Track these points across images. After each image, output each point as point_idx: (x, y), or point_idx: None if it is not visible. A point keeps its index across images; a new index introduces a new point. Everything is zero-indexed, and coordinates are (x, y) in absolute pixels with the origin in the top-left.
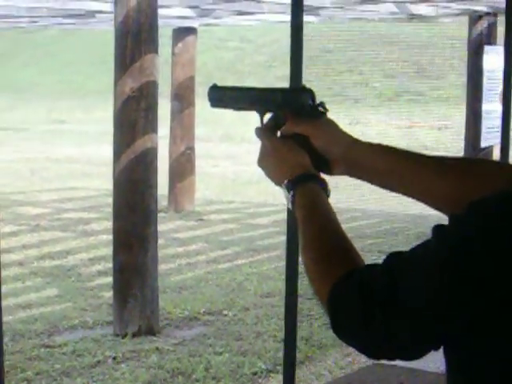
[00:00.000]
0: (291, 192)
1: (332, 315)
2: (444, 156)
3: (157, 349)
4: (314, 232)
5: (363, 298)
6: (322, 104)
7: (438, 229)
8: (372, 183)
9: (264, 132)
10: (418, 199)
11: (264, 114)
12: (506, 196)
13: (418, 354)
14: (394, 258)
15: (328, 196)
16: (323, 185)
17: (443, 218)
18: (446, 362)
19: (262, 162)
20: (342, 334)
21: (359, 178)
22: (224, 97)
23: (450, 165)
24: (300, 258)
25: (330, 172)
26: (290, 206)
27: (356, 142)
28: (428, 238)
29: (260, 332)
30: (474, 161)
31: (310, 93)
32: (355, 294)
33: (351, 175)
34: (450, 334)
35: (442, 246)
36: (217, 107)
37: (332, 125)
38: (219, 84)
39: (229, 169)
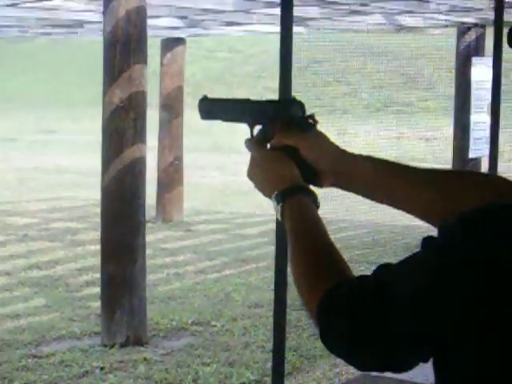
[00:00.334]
0: (280, 204)
1: (321, 327)
2: (432, 168)
3: (145, 359)
4: (303, 244)
5: (352, 310)
6: (311, 116)
7: (427, 240)
8: (360, 195)
9: (254, 144)
10: (405, 210)
11: (254, 125)
12: (493, 209)
13: (406, 367)
14: (383, 269)
15: (318, 207)
16: (312, 196)
17: (431, 230)
18: (434, 374)
19: (252, 173)
20: (330, 346)
21: (348, 189)
22: (214, 109)
23: (437, 177)
24: (289, 269)
25: (319, 184)
26: (279, 218)
27: (345, 154)
28: (416, 249)
29: (248, 343)
30: (461, 173)
31: (300, 105)
32: (344, 306)
33: (340, 187)
34: (437, 346)
35: (432, 257)
36: (207, 119)
37: (321, 137)
38: (209, 96)
39: (217, 179)
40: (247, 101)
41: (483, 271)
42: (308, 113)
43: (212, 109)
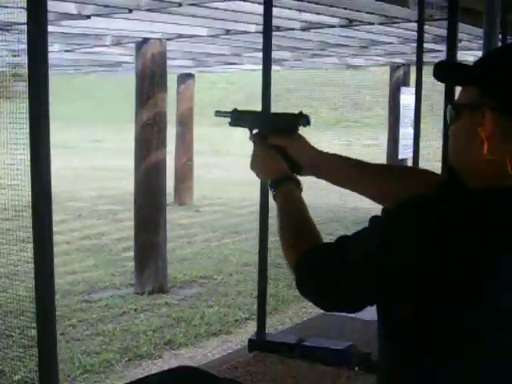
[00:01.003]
0: (273, 189)
1: (297, 278)
2: (377, 163)
3: (166, 303)
4: (288, 219)
5: (319, 265)
6: (302, 120)
7: (373, 218)
8: (330, 182)
9: (257, 138)
10: (359, 192)
11: (252, 129)
12: (422, 198)
13: (357, 308)
14: (343, 239)
15: (301, 191)
16: (296, 183)
17: (374, 210)
18: (377, 315)
19: (253, 165)
20: (303, 292)
21: (321, 178)
22: (241, 118)
23: (380, 168)
24: (270, 238)
25: (300, 174)
26: (273, 199)
27: (319, 152)
28: (362, 224)
29: (240, 291)
30: (395, 166)
31: (307, 116)
32: (314, 263)
33: (316, 176)
34: (377, 294)
35: (375, 231)
36: (234, 126)
37: (302, 140)
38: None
39: (217, 174)
40: (266, 113)
41: (410, 244)
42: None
43: (239, 117)
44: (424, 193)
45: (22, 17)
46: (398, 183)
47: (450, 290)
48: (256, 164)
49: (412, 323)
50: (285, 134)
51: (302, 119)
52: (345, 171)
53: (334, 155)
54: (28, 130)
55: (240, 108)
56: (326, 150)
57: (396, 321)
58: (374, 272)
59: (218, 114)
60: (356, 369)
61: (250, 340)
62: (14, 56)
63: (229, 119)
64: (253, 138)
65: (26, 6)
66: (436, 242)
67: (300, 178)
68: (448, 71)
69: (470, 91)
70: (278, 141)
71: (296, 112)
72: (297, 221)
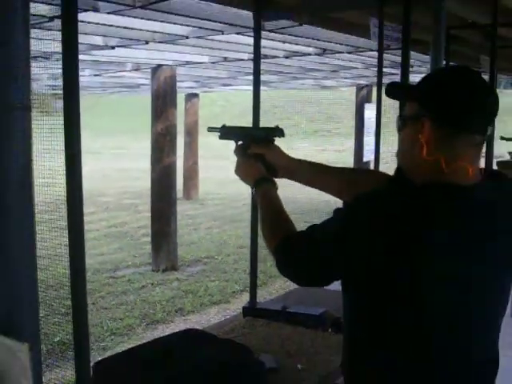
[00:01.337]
0: (254, 189)
1: (276, 261)
2: (341, 166)
3: (177, 278)
4: (266, 214)
5: (293, 249)
6: (277, 132)
7: (336, 210)
8: (299, 182)
9: (239, 151)
10: (325, 191)
11: (238, 141)
12: (373, 192)
13: (325, 283)
14: (313, 227)
15: (276, 189)
16: (273, 184)
17: (337, 204)
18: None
19: (237, 171)
20: (281, 271)
21: (293, 179)
22: (228, 132)
23: (343, 171)
24: (259, 226)
25: (276, 176)
26: (254, 197)
27: (291, 158)
28: (329, 215)
29: (237, 268)
30: (361, 170)
31: (281, 130)
32: (289, 248)
33: (289, 178)
34: (338, 270)
35: (337, 219)
36: (223, 139)
37: (278, 148)
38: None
39: (218, 174)
40: (248, 128)
41: (365, 231)
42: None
43: (227, 132)
44: (375, 188)
45: (58, 47)
46: (353, 181)
47: (395, 276)
48: (239, 169)
49: (363, 299)
50: (264, 144)
51: (278, 132)
52: (311, 173)
53: (304, 161)
54: (64, 139)
55: (228, 124)
56: (305, 154)
57: (352, 295)
58: (332, 255)
59: (210, 129)
60: (329, 330)
61: (244, 307)
62: (54, 79)
63: (219, 133)
64: (236, 149)
65: (61, 38)
66: (382, 232)
67: (278, 179)
68: (396, 90)
69: (413, 106)
70: (258, 149)
71: (273, 126)
72: (273, 214)
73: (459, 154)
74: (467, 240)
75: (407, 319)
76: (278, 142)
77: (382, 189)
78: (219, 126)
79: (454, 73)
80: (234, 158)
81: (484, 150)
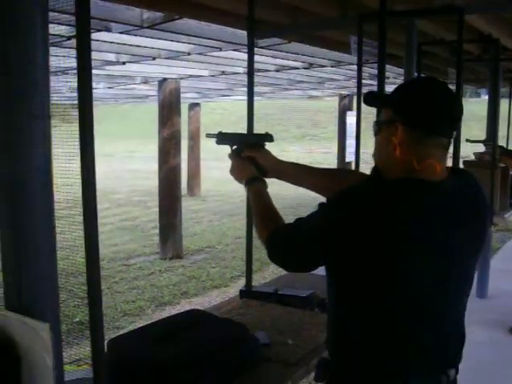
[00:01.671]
0: (246, 187)
1: (268, 251)
2: (324, 167)
3: (182, 265)
4: (257, 210)
5: (281, 239)
6: (267, 138)
7: (320, 204)
8: (287, 182)
9: (233, 155)
10: (310, 189)
11: (232, 146)
12: (351, 188)
13: (310, 268)
14: (299, 219)
15: (266, 188)
16: (263, 183)
17: (322, 199)
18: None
19: (232, 172)
20: (273, 259)
21: (281, 179)
22: (224, 138)
23: (329, 172)
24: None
25: (266, 177)
26: (247, 195)
27: (280, 161)
28: (315, 209)
29: (235, 256)
30: (342, 170)
31: (271, 135)
32: (278, 239)
33: (277, 178)
34: (323, 257)
35: (320, 212)
36: (219, 144)
37: (268, 152)
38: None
39: (218, 174)
40: (242, 134)
41: (344, 222)
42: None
43: (223, 138)
44: (353, 184)
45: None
46: (336, 181)
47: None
48: (233, 171)
49: (345, 282)
50: (255, 148)
51: (268, 137)
52: (298, 174)
53: (291, 163)
54: (79, 144)
55: (224, 131)
56: (295, 156)
57: (335, 279)
58: (316, 244)
59: (208, 135)
60: (315, 310)
61: (240, 290)
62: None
63: (216, 139)
64: (230, 153)
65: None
66: (359, 222)
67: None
68: (372, 99)
69: (387, 112)
70: (251, 153)
71: (264, 133)
72: (264, 210)
73: (428, 154)
74: (434, 228)
75: (383, 302)
76: (269, 146)
77: (359, 185)
78: (216, 132)
79: (423, 83)
80: (229, 161)
81: (452, 150)
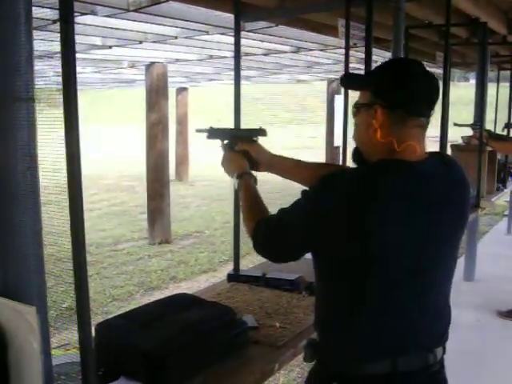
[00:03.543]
0: (237, 180)
1: (253, 241)
2: (310, 161)
3: (170, 250)
4: (245, 202)
5: (266, 230)
6: (260, 132)
7: (303, 192)
8: (278, 175)
9: (226, 148)
10: (297, 181)
11: (224, 140)
12: (333, 173)
13: (294, 258)
14: (282, 210)
15: (256, 182)
16: (253, 177)
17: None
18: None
19: (223, 164)
20: (257, 249)
21: (272, 172)
22: (214, 133)
23: (320, 166)
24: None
25: (258, 170)
26: (236, 188)
27: (272, 154)
28: (298, 197)
29: (223, 241)
30: (329, 164)
31: (263, 130)
32: (262, 230)
33: (269, 171)
34: (305, 246)
35: (303, 199)
36: (210, 139)
37: (260, 146)
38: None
39: (206, 159)
40: (232, 129)
41: (326, 206)
42: (258, 127)
43: (214, 133)
44: (335, 169)
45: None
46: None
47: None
48: (225, 163)
49: (331, 267)
50: (248, 142)
51: (261, 132)
52: (288, 167)
53: (281, 156)
54: (64, 128)
55: (214, 126)
56: (282, 141)
57: (321, 263)
58: (301, 231)
59: (198, 130)
60: (303, 293)
61: (228, 274)
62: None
63: (206, 134)
64: (223, 146)
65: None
66: (340, 206)
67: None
68: (350, 81)
69: (366, 94)
70: (244, 147)
71: (257, 127)
72: (252, 203)
73: (409, 134)
74: (414, 209)
75: (366, 283)
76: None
77: (340, 170)
78: (207, 127)
79: (400, 64)
80: (218, 146)
81: (439, 135)
